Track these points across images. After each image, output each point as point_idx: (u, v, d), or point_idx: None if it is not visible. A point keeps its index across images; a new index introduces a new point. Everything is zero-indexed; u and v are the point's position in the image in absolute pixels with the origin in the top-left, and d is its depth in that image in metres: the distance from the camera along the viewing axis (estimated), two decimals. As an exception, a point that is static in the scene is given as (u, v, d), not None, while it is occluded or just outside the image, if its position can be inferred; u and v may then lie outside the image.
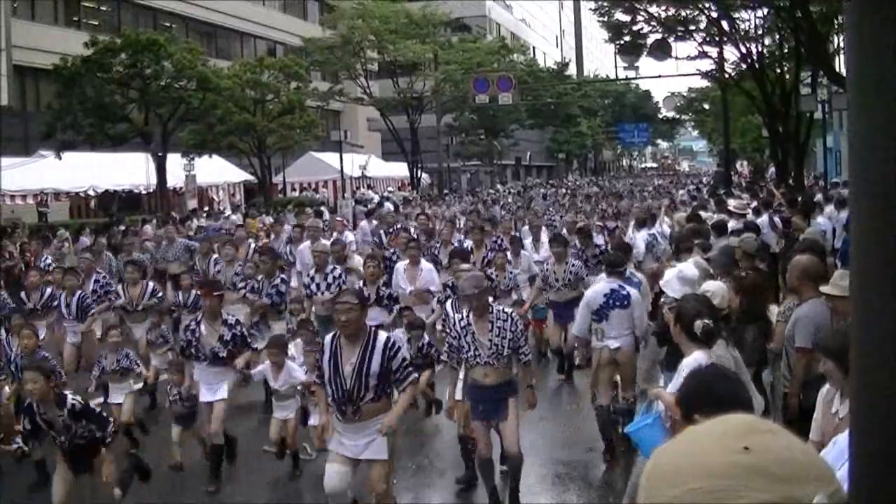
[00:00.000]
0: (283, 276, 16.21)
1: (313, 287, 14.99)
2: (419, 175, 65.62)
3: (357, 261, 17.37)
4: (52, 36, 45.11)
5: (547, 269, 15.27)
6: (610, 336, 11.11)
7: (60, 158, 38.13)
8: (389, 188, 65.41)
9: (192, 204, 44.25)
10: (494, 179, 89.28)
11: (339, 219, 28.65)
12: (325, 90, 58.91)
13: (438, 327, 13.87)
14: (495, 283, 14.80)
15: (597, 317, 11.20)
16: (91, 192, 42.96)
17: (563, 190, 64.59)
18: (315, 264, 15.36)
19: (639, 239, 18.98)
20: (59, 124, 38.44)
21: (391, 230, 23.87)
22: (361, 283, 14.16)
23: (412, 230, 23.16)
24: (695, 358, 6.81)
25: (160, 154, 41.00)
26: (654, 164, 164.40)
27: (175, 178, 43.25)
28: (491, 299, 10.34)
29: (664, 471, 1.59)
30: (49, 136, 38.45)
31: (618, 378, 11.38)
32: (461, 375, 9.81)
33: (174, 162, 42.29)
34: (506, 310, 9.77)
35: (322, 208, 42.69)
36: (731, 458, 1.53)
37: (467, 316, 9.45)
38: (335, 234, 22.25)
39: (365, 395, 8.26)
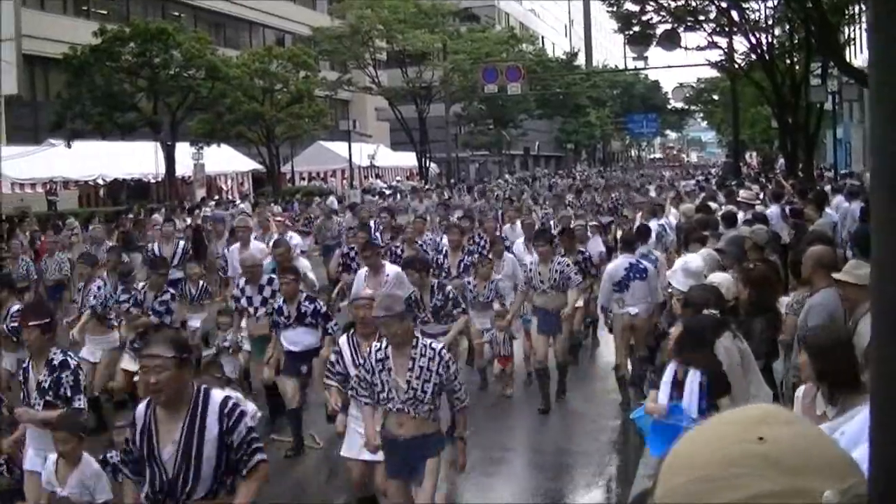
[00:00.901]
0: (171, 290, 13.51)
1: (244, 301, 12.76)
2: (427, 165, 65.58)
3: (303, 264, 15.26)
4: (62, 25, 45.15)
5: (531, 270, 13.48)
6: (630, 304, 12.72)
7: (70, 147, 38.20)
8: (398, 178, 65.37)
9: (201, 193, 44.33)
10: (503, 169, 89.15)
11: (278, 218, 23.09)
12: (334, 80, 58.93)
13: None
14: (473, 293, 13.76)
15: (618, 287, 12.82)
16: (100, 181, 43.07)
17: (570, 181, 64.25)
18: (245, 276, 13.15)
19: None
20: (68, 113, 38.48)
21: (377, 223, 20.88)
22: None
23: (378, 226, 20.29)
24: None
25: (169, 143, 41.06)
26: (661, 155, 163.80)
27: (184, 167, 43.32)
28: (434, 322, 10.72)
29: (681, 457, 1.60)
30: (59, 126, 38.50)
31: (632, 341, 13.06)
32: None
33: (183, 151, 42.35)
34: (433, 345, 7.61)
35: (331, 197, 42.77)
36: (744, 447, 1.52)
37: (385, 347, 7.52)
38: (275, 234, 18.31)
39: (193, 491, 5.56)
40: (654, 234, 18.35)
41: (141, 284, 13.43)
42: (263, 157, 50.98)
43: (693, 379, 6.44)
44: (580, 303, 14.21)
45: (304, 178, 61.44)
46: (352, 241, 16.82)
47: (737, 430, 1.56)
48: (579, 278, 13.60)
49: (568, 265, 13.44)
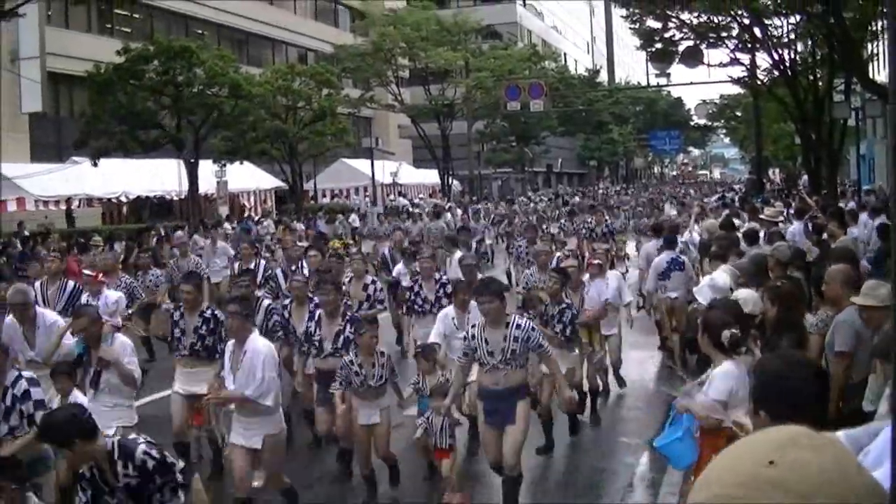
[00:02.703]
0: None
1: (177, 332, 11.29)
2: (450, 182, 65.73)
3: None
4: (86, 43, 45.47)
5: (474, 337, 9.28)
6: (671, 290, 16.19)
7: (97, 165, 38.46)
8: (420, 195, 65.55)
9: (224, 210, 44.52)
10: (525, 187, 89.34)
11: (244, 245, 19.15)
12: (357, 97, 59.18)
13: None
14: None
15: (662, 277, 16.33)
16: (123, 199, 43.30)
17: (591, 199, 64.04)
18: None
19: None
20: (91, 131, 38.73)
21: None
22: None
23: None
24: (725, 367, 6.84)
25: (192, 160, 41.25)
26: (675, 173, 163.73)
27: (207, 184, 43.51)
28: None
29: (707, 475, 1.65)
30: (83, 144, 38.76)
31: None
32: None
33: (206, 168, 42.55)
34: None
35: (353, 215, 42.88)
36: (754, 469, 1.56)
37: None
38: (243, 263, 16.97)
39: None
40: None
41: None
42: (286, 174, 51.21)
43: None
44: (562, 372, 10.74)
45: (325, 196, 61.64)
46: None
47: (754, 452, 1.61)
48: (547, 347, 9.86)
49: (533, 328, 9.39)
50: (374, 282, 14.62)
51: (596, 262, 14.80)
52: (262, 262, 17.57)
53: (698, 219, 23.95)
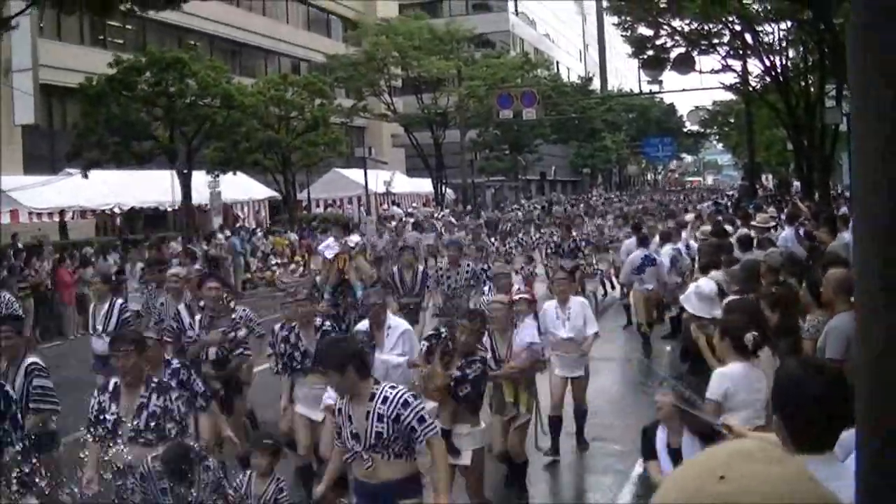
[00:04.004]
0: None
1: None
2: (444, 191, 65.65)
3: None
4: (78, 55, 45.39)
5: (340, 412, 7.02)
6: (646, 283, 19.00)
7: (87, 177, 38.36)
8: (414, 204, 65.45)
9: (218, 221, 44.41)
10: (519, 195, 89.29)
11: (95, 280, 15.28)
12: (350, 107, 59.11)
13: None
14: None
15: (637, 271, 19.14)
16: (116, 210, 43.17)
17: (583, 205, 63.91)
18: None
19: (663, 254, 19.54)
20: (84, 143, 38.64)
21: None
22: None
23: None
24: (727, 368, 6.86)
25: (185, 171, 41.15)
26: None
27: (200, 195, 43.39)
28: None
29: (664, 487, 1.65)
30: (75, 155, 38.66)
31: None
32: None
33: (199, 179, 42.44)
34: None
35: (355, 236, 42.81)
36: (704, 485, 1.56)
37: None
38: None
39: None
40: (668, 261, 18.70)
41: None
42: (279, 184, 51.10)
43: (693, 447, 6.39)
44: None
45: (319, 206, 61.53)
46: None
47: (706, 466, 1.61)
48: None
49: (406, 402, 6.76)
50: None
51: (524, 295, 11.56)
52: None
53: (694, 226, 24.16)
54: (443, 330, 9.98)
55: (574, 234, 25.09)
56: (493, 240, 29.60)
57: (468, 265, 16.70)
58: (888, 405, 1.70)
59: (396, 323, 10.62)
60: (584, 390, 12.54)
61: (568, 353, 12.14)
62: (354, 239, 15.14)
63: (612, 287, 26.79)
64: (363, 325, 10.73)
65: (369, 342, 9.88)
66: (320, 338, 10.17)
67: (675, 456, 6.49)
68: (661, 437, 6.79)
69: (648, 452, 6.91)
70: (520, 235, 30.52)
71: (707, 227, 21.25)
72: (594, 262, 24.92)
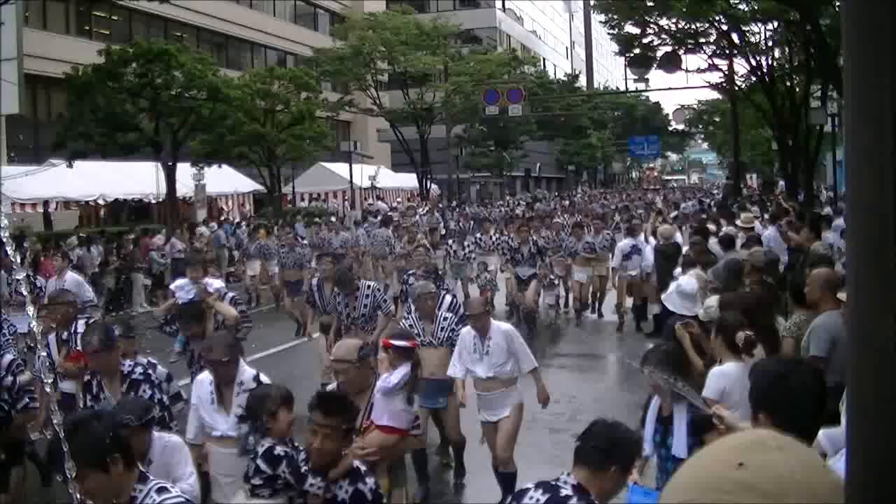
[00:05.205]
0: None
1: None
2: (429, 186, 65.63)
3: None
4: (64, 45, 45.25)
5: None
6: (630, 269, 20.58)
7: (71, 167, 38.22)
8: (398, 199, 65.44)
9: (202, 214, 44.36)
10: (504, 191, 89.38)
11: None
12: (336, 101, 59.01)
13: None
14: None
15: (625, 258, 20.69)
16: (101, 202, 43.07)
17: (567, 202, 63.86)
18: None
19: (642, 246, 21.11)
20: (69, 133, 38.50)
21: None
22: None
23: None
24: (724, 367, 6.91)
25: (170, 163, 41.03)
26: (664, 177, 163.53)
27: (185, 187, 43.30)
28: None
29: (678, 479, 1.66)
30: (60, 146, 38.52)
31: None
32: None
33: (184, 171, 42.34)
34: None
35: (332, 219, 42.75)
36: (724, 472, 1.57)
37: None
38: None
39: None
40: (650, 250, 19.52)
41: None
42: (265, 177, 51.02)
43: (680, 416, 6.48)
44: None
45: (304, 199, 61.49)
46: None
47: (723, 455, 1.62)
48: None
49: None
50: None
51: (399, 342, 8.17)
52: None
53: (655, 225, 24.10)
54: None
55: (534, 237, 22.21)
56: (450, 241, 25.92)
57: (367, 289, 13.45)
58: (877, 403, 1.72)
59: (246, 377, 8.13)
60: (510, 439, 9.91)
61: (490, 392, 9.94)
62: (216, 284, 12.62)
63: (567, 305, 24.41)
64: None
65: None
66: (126, 391, 8.02)
67: (665, 423, 6.75)
68: (653, 405, 7.02)
69: (642, 421, 7.16)
70: (477, 235, 26.78)
71: (665, 227, 21.28)
72: (554, 270, 22.55)
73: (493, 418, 9.93)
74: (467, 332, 10.06)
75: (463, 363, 10.01)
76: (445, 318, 11.17)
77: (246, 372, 8.01)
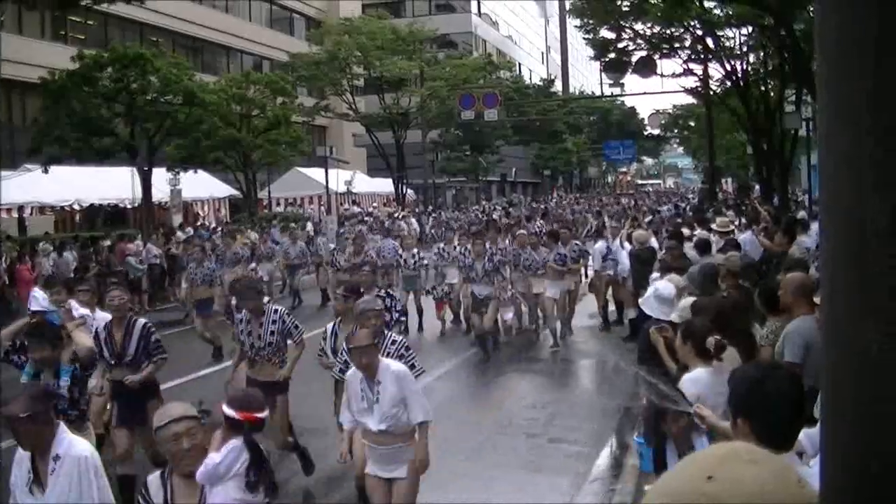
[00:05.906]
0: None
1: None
2: (404, 191, 65.61)
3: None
4: (39, 50, 45.02)
5: None
6: (608, 269, 21.17)
7: (47, 172, 38.00)
8: (374, 204, 65.40)
9: (178, 219, 44.20)
10: (479, 195, 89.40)
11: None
12: (311, 106, 59.02)
13: None
14: None
15: (602, 259, 21.34)
16: (76, 207, 42.86)
17: (542, 206, 63.75)
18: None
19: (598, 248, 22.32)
20: (45, 138, 38.29)
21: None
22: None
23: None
24: (696, 373, 6.92)
25: (146, 168, 40.86)
26: (640, 181, 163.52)
27: (161, 192, 43.13)
28: None
29: (658, 486, 1.70)
30: (36, 151, 38.30)
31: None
32: None
33: (160, 176, 42.15)
34: None
35: (309, 224, 42.66)
36: (693, 485, 1.61)
37: None
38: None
39: None
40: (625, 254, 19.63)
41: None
42: (240, 182, 50.91)
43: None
44: None
45: (279, 204, 61.37)
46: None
47: (696, 467, 1.66)
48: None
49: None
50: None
51: (232, 413, 6.04)
52: None
53: (630, 230, 23.39)
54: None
55: (491, 248, 20.13)
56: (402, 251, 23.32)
57: (275, 314, 11.29)
58: (854, 406, 1.74)
59: None
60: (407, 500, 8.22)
61: (381, 446, 8.04)
62: (81, 311, 11.15)
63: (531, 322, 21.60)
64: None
65: None
66: None
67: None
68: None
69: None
70: (441, 245, 24.36)
71: (640, 232, 21.22)
72: (510, 286, 20.26)
73: (384, 475, 8.10)
74: (353, 375, 8.09)
75: (352, 412, 8.15)
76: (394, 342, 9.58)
77: (66, 441, 6.18)
